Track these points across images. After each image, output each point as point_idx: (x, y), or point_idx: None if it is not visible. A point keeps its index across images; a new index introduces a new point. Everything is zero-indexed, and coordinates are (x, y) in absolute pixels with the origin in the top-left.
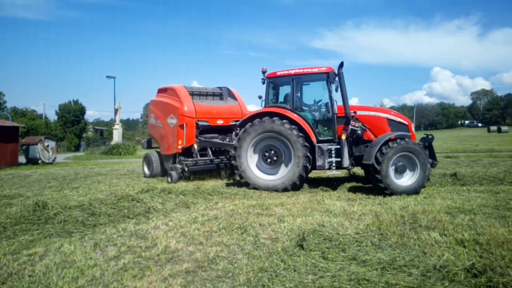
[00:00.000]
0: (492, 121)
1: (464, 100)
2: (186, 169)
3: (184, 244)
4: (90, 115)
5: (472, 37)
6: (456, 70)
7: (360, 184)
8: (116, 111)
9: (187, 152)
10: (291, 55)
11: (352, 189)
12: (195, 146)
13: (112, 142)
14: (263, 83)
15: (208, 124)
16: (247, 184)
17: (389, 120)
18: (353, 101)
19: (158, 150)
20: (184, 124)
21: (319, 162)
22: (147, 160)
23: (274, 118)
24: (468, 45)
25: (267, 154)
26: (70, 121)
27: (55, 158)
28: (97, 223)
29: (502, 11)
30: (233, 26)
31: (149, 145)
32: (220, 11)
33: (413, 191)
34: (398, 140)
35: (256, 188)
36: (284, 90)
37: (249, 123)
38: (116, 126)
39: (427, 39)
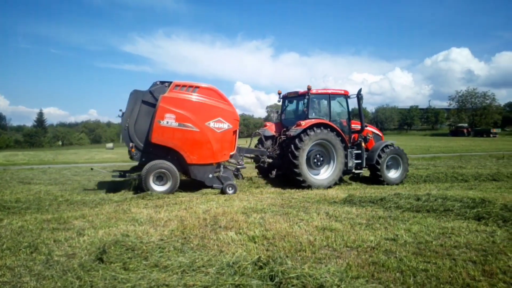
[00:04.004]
0: None
1: (261, 113)
2: (241, 175)
3: None
4: None
5: (267, 57)
6: (255, 86)
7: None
8: None
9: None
10: (100, 57)
11: (161, 197)
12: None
13: None
14: (279, 101)
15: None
16: (308, 187)
17: (373, 132)
18: None
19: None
20: (237, 130)
21: (350, 163)
22: (156, 173)
23: (322, 128)
24: (265, 64)
25: (316, 158)
26: None
27: None
28: None
29: (290, 37)
30: (30, 17)
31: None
32: None
33: (398, 181)
34: (391, 146)
35: (316, 188)
36: (315, 105)
37: (302, 134)
38: None
39: (231, 56)
